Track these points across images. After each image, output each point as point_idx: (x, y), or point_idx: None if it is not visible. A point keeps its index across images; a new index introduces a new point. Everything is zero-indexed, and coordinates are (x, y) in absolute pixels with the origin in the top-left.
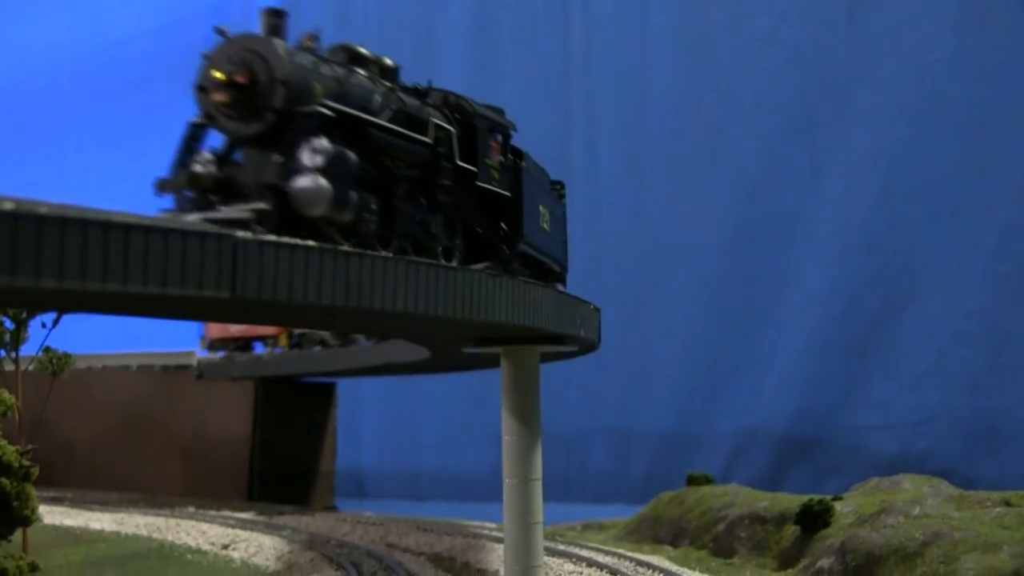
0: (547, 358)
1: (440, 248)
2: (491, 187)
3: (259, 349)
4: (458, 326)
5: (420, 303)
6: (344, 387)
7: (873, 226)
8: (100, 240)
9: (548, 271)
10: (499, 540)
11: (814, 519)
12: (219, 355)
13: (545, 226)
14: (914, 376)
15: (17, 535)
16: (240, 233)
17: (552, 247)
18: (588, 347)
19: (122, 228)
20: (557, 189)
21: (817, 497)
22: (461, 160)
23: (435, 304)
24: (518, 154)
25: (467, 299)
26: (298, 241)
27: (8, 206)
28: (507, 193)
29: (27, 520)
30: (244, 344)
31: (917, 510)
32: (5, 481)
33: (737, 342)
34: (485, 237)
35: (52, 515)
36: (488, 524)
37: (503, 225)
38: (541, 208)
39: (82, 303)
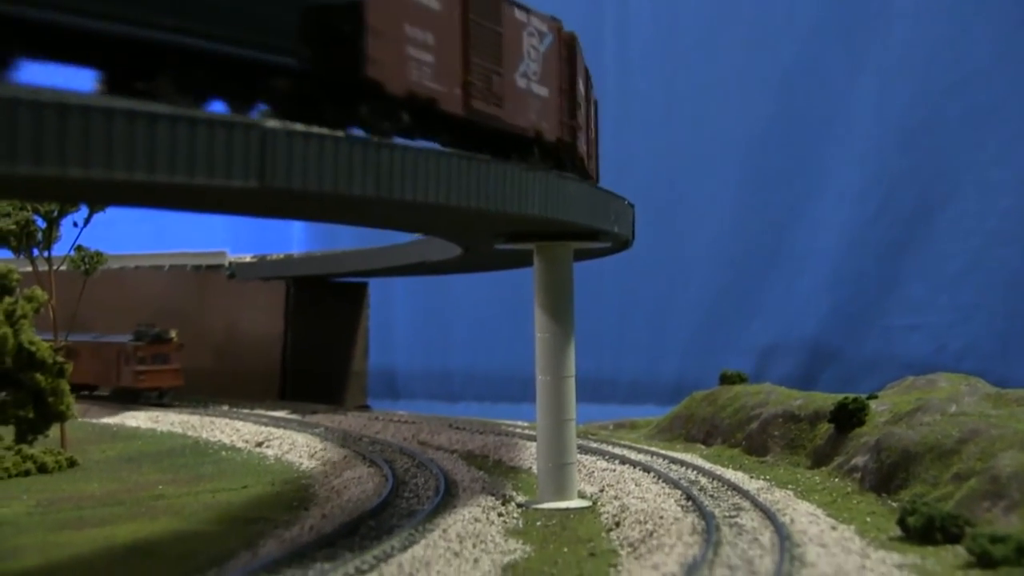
0: (580, 256)
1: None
2: None
3: None
4: (491, 219)
5: (452, 195)
6: (376, 288)
7: (910, 123)
8: (126, 129)
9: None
10: (531, 438)
11: (848, 417)
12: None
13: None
14: (949, 276)
15: (55, 431)
16: (269, 123)
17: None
18: (622, 244)
19: (147, 118)
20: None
21: (852, 396)
22: None
23: (467, 196)
24: None
25: (500, 191)
26: (327, 131)
27: (30, 95)
28: None
29: (63, 416)
30: None
31: (954, 408)
32: (40, 377)
33: (770, 241)
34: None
35: (89, 412)
36: (520, 423)
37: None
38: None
39: (111, 195)
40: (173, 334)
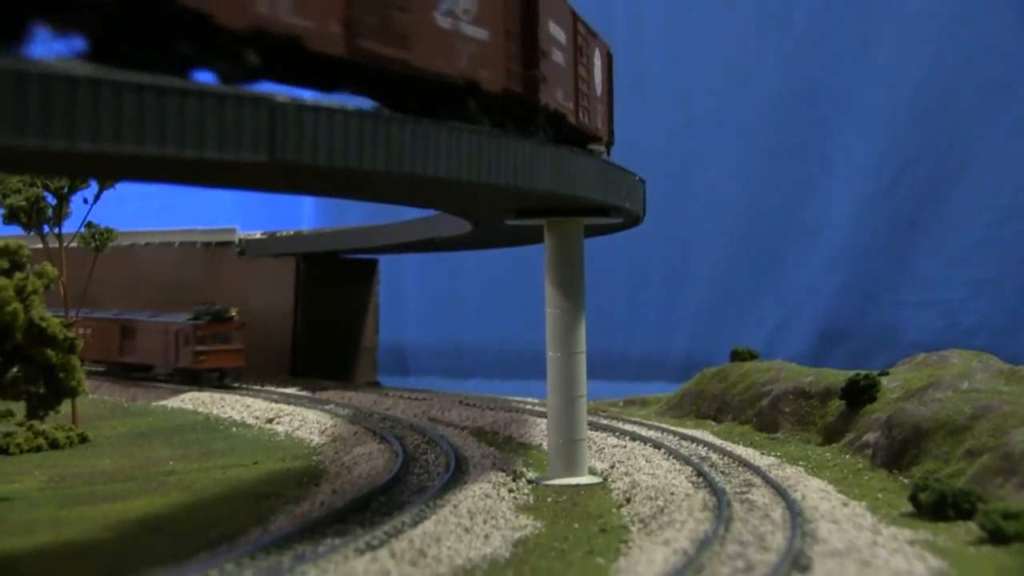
0: (591, 232)
1: None
2: None
3: None
4: (501, 194)
5: (463, 169)
6: (386, 264)
7: (923, 97)
8: (135, 102)
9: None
10: (542, 415)
11: (860, 394)
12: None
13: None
14: (962, 251)
15: (66, 407)
16: (278, 96)
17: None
18: (633, 220)
19: (156, 91)
20: None
21: (863, 372)
22: None
23: (477, 171)
24: None
25: (511, 166)
26: (337, 105)
27: (38, 68)
28: None
29: (74, 391)
30: None
31: (966, 384)
32: (51, 353)
33: (782, 217)
34: None
35: (100, 389)
36: (530, 399)
37: None
38: None
39: (120, 169)
40: (234, 312)
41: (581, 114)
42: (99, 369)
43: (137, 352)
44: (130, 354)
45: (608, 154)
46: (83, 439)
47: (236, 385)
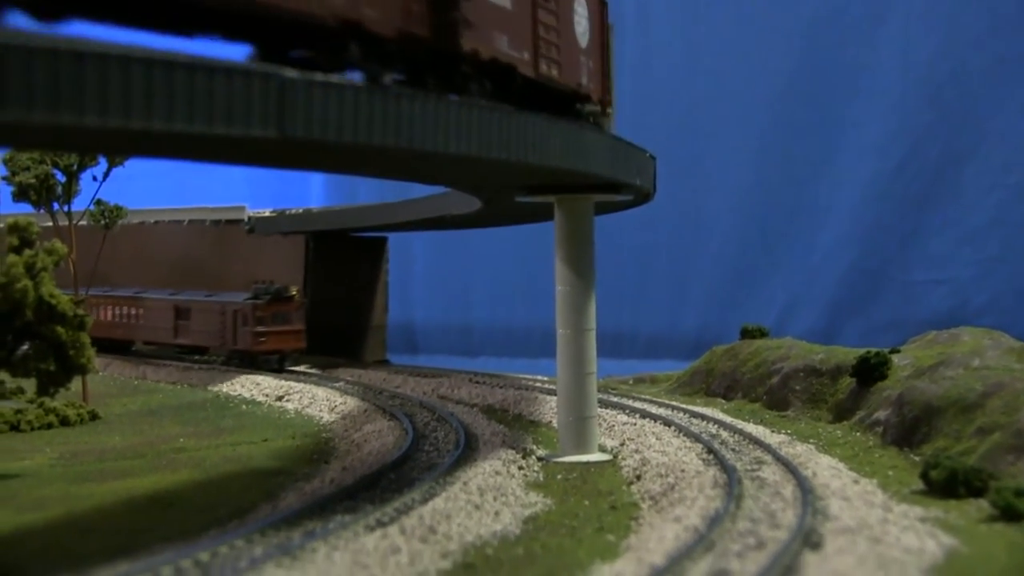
0: (601, 209)
1: None
2: None
3: None
4: (512, 171)
5: (473, 145)
6: (395, 242)
7: (934, 75)
8: (144, 77)
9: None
10: (551, 393)
11: (870, 371)
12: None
13: None
14: (973, 230)
15: (77, 385)
16: (287, 72)
17: None
18: (643, 197)
19: (166, 65)
20: None
21: (874, 350)
22: None
23: (488, 146)
24: None
25: (521, 142)
26: (347, 80)
27: (47, 43)
28: None
29: (84, 369)
30: None
31: (977, 362)
32: (60, 330)
33: (792, 194)
34: None
35: (111, 367)
36: (540, 377)
37: None
38: None
39: (129, 145)
40: (294, 291)
41: (545, 66)
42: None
43: (192, 334)
44: (184, 336)
45: (605, 115)
46: (93, 416)
47: (294, 369)
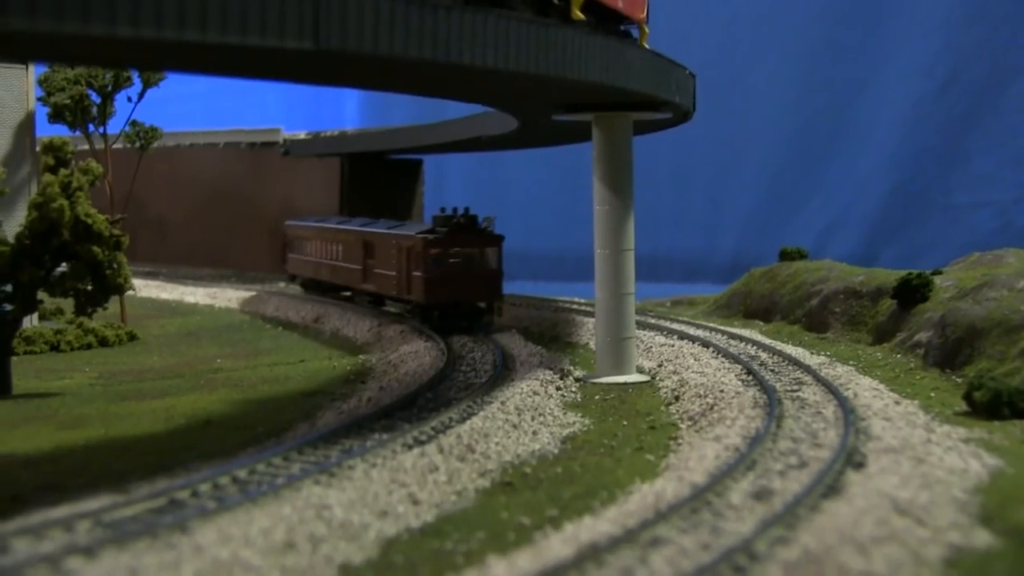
0: (639, 129)
1: None
2: None
3: None
4: (550, 86)
5: (511, 59)
6: (430, 164)
7: None
8: None
9: None
10: (588, 315)
11: (912, 293)
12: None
13: None
14: (1017, 151)
15: (114, 306)
16: None
17: None
18: (682, 115)
19: None
20: None
21: (915, 272)
22: None
23: (526, 61)
24: None
25: (559, 56)
26: None
27: None
28: None
29: (120, 288)
30: None
31: (1022, 283)
32: (97, 250)
33: (832, 115)
34: None
35: (148, 289)
36: (577, 299)
37: None
38: None
39: (161, 58)
40: (488, 221)
41: None
42: (147, 269)
43: (374, 278)
44: (371, 280)
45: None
46: (132, 337)
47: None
